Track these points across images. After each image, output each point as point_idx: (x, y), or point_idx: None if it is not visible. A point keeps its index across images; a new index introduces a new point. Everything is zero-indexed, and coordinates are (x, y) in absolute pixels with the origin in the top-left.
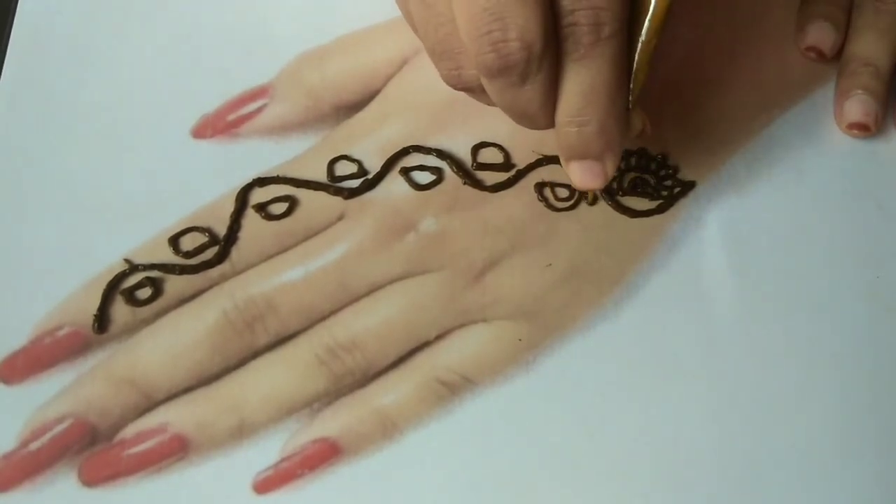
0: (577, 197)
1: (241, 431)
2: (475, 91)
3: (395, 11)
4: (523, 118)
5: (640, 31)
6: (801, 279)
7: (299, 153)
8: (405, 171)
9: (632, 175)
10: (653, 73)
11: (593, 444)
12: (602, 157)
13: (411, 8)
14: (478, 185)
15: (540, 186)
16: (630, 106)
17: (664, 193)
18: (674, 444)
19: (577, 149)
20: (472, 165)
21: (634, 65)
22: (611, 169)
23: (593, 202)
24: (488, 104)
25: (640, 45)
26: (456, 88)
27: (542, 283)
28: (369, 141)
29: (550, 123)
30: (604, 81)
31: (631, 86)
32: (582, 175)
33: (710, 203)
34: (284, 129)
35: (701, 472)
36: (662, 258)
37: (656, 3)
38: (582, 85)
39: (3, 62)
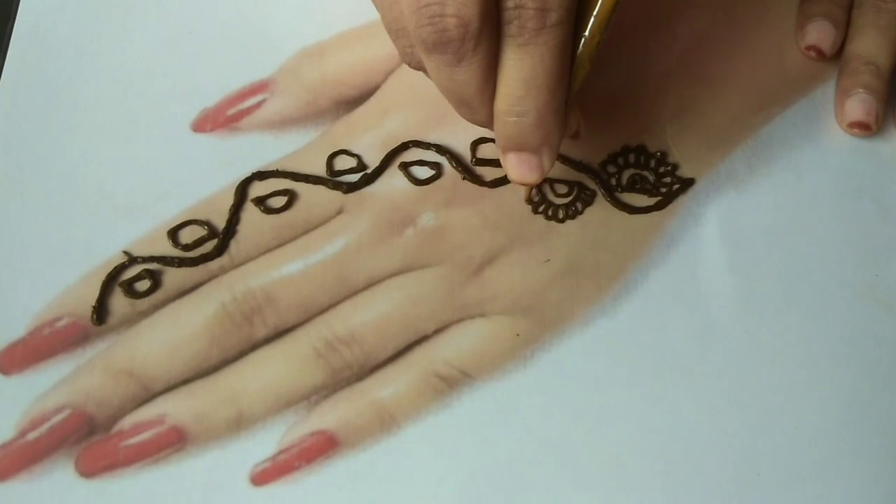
0: (576, 194)
1: (239, 423)
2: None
3: None
4: (461, 104)
5: (586, 27)
6: (799, 277)
7: (299, 147)
8: (404, 166)
9: (630, 172)
10: (594, 74)
11: (591, 439)
12: (539, 151)
13: None
14: (477, 180)
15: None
16: (567, 102)
17: (663, 190)
18: (671, 439)
19: (514, 140)
20: (472, 161)
21: (576, 61)
22: (547, 163)
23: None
24: None
25: (583, 40)
26: (411, 66)
27: (540, 279)
28: (369, 136)
29: (489, 114)
30: (546, 70)
31: (570, 81)
32: (518, 167)
33: (709, 200)
34: (284, 123)
35: (698, 467)
36: (661, 255)
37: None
38: (523, 72)
39: (5, 57)
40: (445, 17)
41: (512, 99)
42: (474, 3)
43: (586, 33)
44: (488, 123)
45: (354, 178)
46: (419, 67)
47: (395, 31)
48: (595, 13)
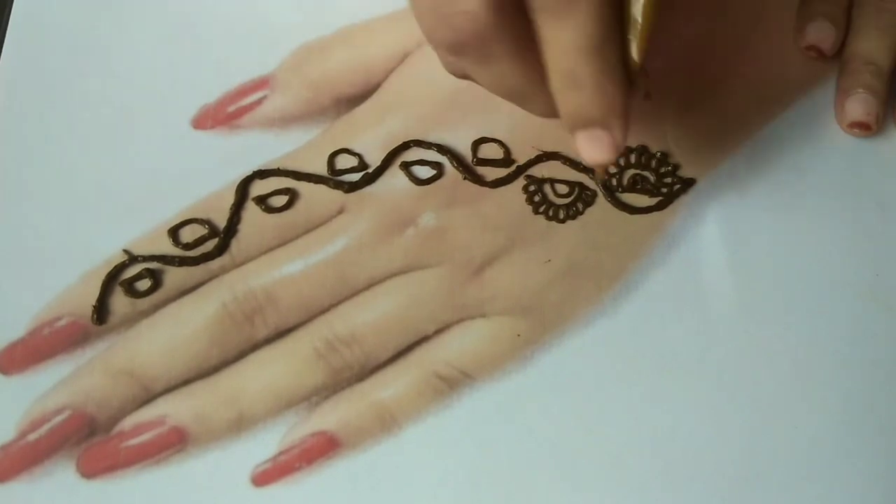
0: (577, 194)
1: (240, 424)
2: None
3: (397, 4)
4: (518, 98)
5: None
6: (800, 277)
7: (300, 146)
8: (405, 166)
9: (632, 172)
10: (657, 28)
11: (591, 440)
12: (607, 124)
13: None
14: (478, 180)
15: (527, 189)
16: (637, 59)
17: (664, 190)
18: (671, 439)
19: (577, 116)
20: (473, 160)
21: (634, 14)
22: (620, 136)
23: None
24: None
25: None
26: (457, 76)
27: (540, 279)
28: (370, 135)
29: (547, 100)
30: (588, 35)
31: (631, 38)
32: (589, 146)
33: (710, 200)
34: (285, 121)
35: (698, 467)
36: (662, 255)
37: None
38: (565, 43)
39: (0, 52)
40: (457, 15)
41: (562, 73)
42: None
43: None
44: (552, 111)
45: (355, 177)
46: (463, 76)
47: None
48: None
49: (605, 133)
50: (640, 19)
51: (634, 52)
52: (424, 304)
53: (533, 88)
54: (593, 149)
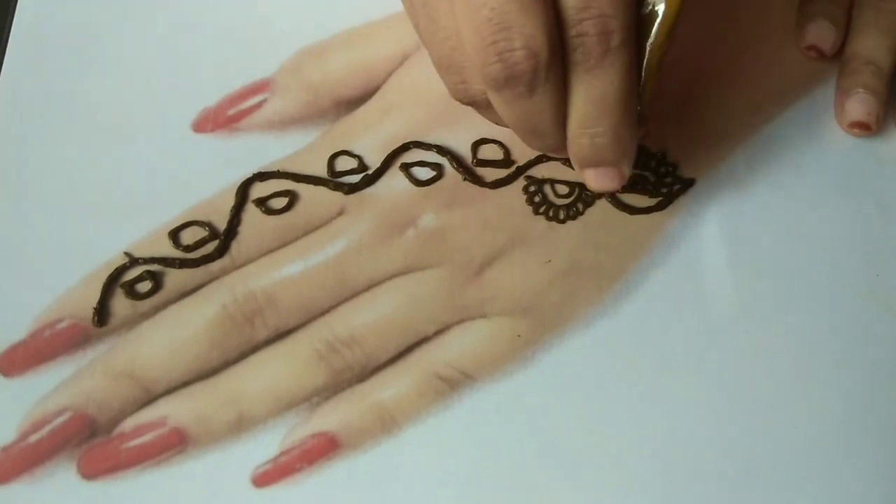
0: (577, 194)
1: (240, 425)
2: (481, 106)
3: (396, 7)
4: (533, 134)
5: (649, 35)
6: (800, 277)
7: (300, 148)
8: (405, 167)
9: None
10: (662, 78)
11: (591, 440)
12: (617, 163)
13: (419, 21)
14: (478, 181)
15: (527, 189)
16: (641, 109)
17: (663, 191)
18: (672, 439)
19: (591, 158)
20: (473, 161)
21: (643, 71)
22: (627, 170)
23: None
24: (495, 121)
25: (648, 50)
26: (462, 102)
27: (541, 280)
28: (370, 136)
29: (560, 139)
30: (615, 91)
31: (640, 91)
32: (598, 179)
33: (710, 200)
34: (285, 123)
35: (698, 467)
36: (661, 255)
37: (666, 7)
38: (593, 95)
39: (3, 55)
40: (515, 52)
41: (585, 121)
42: (542, 33)
43: (651, 40)
44: (559, 148)
45: (355, 178)
46: (471, 102)
47: (447, 67)
48: (658, 22)
49: (615, 169)
50: (647, 74)
51: (641, 102)
52: (425, 305)
53: (554, 127)
54: (600, 182)
